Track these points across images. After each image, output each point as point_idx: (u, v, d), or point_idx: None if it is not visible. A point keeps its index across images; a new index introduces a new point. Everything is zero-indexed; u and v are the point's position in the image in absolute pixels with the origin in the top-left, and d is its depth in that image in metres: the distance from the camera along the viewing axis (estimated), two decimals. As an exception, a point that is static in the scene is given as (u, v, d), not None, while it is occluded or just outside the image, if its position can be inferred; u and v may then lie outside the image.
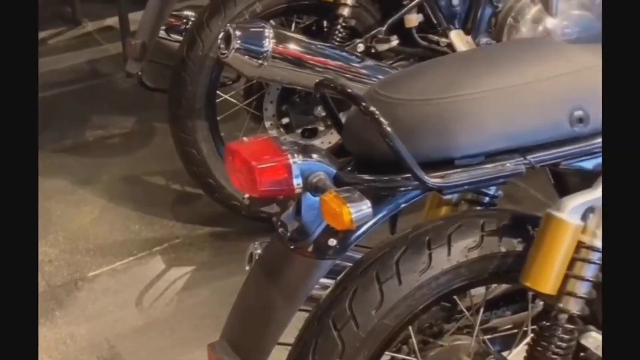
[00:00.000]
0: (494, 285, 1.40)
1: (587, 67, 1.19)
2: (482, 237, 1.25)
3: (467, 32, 2.33)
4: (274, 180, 1.11)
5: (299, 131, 2.36)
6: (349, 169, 1.22)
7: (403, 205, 1.21)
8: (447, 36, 2.28)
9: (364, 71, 2.14)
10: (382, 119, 1.10)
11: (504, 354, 1.42)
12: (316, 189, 1.13)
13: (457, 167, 1.14)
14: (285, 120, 2.35)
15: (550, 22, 2.30)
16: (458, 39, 2.27)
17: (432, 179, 1.11)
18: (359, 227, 1.15)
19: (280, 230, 1.18)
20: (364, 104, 1.12)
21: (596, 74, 1.18)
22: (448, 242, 1.24)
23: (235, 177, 1.15)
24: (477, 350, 1.34)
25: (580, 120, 1.18)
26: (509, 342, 1.46)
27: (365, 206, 1.07)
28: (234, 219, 2.39)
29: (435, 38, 2.30)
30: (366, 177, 1.16)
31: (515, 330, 1.45)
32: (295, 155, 1.13)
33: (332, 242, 1.16)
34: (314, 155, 1.16)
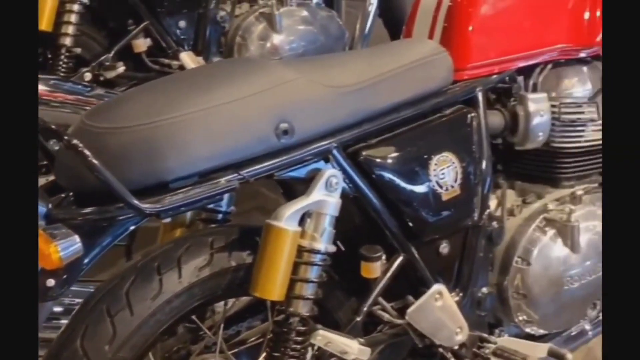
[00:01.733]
0: (232, 301, 1.44)
1: (288, 82, 1.26)
2: (212, 255, 1.27)
3: (198, 54, 2.36)
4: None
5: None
6: (65, 204, 1.18)
7: (124, 234, 1.20)
8: (178, 58, 2.29)
9: (94, 100, 2.09)
10: (85, 151, 1.08)
11: (253, 364, 1.45)
12: (25, 230, 1.07)
13: (172, 190, 1.15)
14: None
15: (276, 39, 2.40)
16: (189, 60, 2.29)
17: (146, 205, 1.11)
18: (77, 263, 1.12)
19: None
20: (65, 137, 1.09)
21: (295, 88, 1.26)
22: (178, 265, 1.25)
23: None
24: (219, 366, 1.36)
25: (286, 132, 1.24)
26: (258, 353, 1.50)
27: (74, 241, 1.04)
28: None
29: (167, 61, 2.31)
30: (80, 210, 1.13)
31: (262, 340, 1.49)
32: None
33: (51, 282, 1.11)
34: (22, 195, 1.11)
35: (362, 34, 2.62)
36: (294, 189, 1.37)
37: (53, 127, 1.11)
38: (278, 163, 1.24)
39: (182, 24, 2.31)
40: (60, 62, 2.14)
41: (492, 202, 1.60)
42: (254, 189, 2.64)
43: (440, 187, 1.44)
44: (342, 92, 1.31)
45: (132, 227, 1.19)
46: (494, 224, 1.56)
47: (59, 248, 1.03)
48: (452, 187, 1.45)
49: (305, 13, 2.45)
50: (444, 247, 1.48)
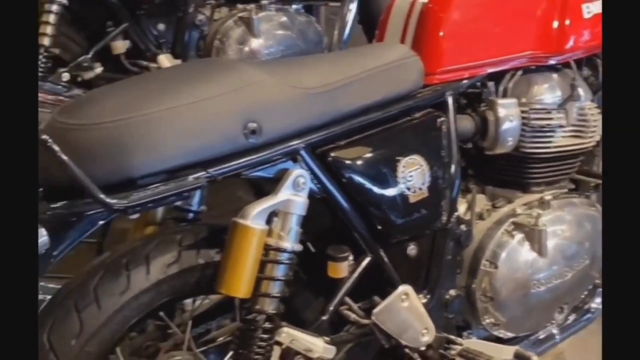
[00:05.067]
0: (201, 299, 1.45)
1: (256, 82, 1.27)
2: (180, 252, 1.29)
3: (177, 56, 2.37)
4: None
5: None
6: (35, 199, 1.19)
7: (94, 229, 1.21)
8: (156, 61, 2.31)
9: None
10: (54, 146, 1.09)
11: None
12: (-8, 223, 1.08)
13: (140, 187, 1.16)
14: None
15: (254, 43, 2.43)
16: (167, 62, 2.31)
17: (113, 201, 1.12)
18: (44, 256, 1.13)
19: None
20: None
21: (263, 88, 1.27)
22: (146, 261, 1.26)
23: None
24: (185, 363, 1.37)
25: (254, 132, 1.25)
26: (227, 351, 1.51)
27: (40, 234, 1.05)
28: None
29: (145, 63, 2.32)
30: (47, 205, 1.14)
31: (230, 338, 1.50)
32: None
33: (17, 276, 1.12)
34: (-10, 189, 1.12)
35: (341, 39, 2.65)
36: (264, 188, 1.38)
37: (22, 122, 1.11)
38: (246, 162, 1.26)
39: (161, 26, 2.33)
40: (39, 62, 2.15)
41: (462, 206, 1.62)
42: (231, 192, 2.66)
43: (408, 189, 1.46)
44: (311, 94, 1.32)
45: (100, 223, 1.20)
46: (462, 227, 1.58)
47: (23, 240, 1.04)
48: (420, 189, 1.47)
49: (283, 18, 2.48)
50: (412, 249, 1.50)
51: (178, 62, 2.35)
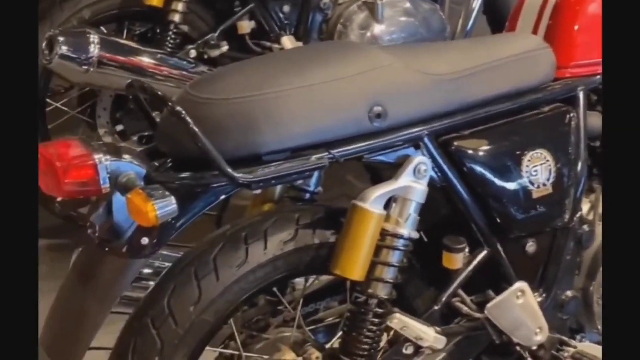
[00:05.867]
0: (313, 278, 1.46)
1: (384, 66, 1.27)
2: (296, 230, 1.30)
3: (299, 39, 2.40)
4: (78, 181, 1.10)
5: (135, 138, 2.34)
6: (164, 168, 1.24)
7: (217, 201, 1.24)
8: (279, 42, 2.34)
9: (196, 76, 2.16)
10: (187, 118, 1.12)
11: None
12: (125, 188, 1.13)
13: (264, 163, 1.18)
14: (119, 127, 2.33)
15: (377, 28, 2.41)
16: (290, 44, 2.34)
17: (239, 175, 1.15)
18: (170, 225, 1.17)
19: (90, 231, 1.18)
20: (170, 104, 1.14)
21: (392, 72, 1.27)
22: (264, 237, 1.28)
23: (41, 180, 1.14)
24: (296, 340, 1.39)
25: (379, 115, 1.25)
26: (334, 332, 1.52)
27: (170, 202, 1.09)
28: (70, 230, 2.33)
29: (268, 44, 2.35)
30: (177, 175, 1.18)
31: (339, 320, 1.51)
32: (102, 155, 1.13)
33: (145, 240, 1.17)
34: (124, 156, 1.17)
35: (464, 29, 2.60)
36: (381, 173, 1.38)
37: (159, 93, 1.15)
38: (369, 145, 1.26)
39: (286, 8, 2.36)
40: (168, 38, 2.22)
41: (585, 206, 1.56)
42: (341, 176, 2.67)
43: (532, 184, 1.42)
44: (439, 80, 1.31)
45: (223, 196, 1.23)
46: (585, 227, 1.52)
47: (156, 207, 1.08)
48: (544, 185, 1.43)
49: (408, 5, 2.45)
50: (531, 246, 1.46)
51: (300, 44, 2.38)
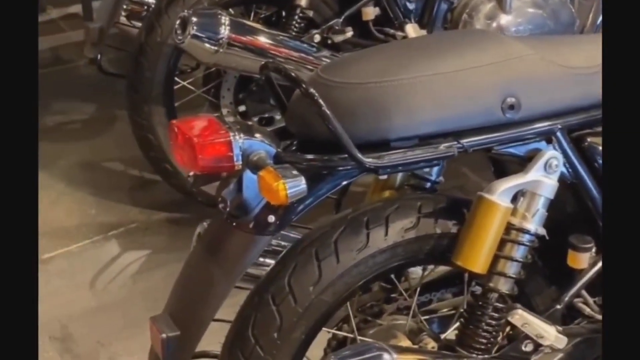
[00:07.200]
0: (430, 268, 1.45)
1: (519, 57, 1.24)
2: (418, 219, 1.30)
3: (422, 27, 2.38)
4: (214, 157, 1.14)
5: (256, 119, 2.39)
6: (292, 149, 1.26)
7: (341, 185, 1.25)
8: (403, 30, 2.33)
9: (319, 61, 2.18)
10: (320, 101, 1.14)
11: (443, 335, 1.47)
12: (256, 166, 1.16)
13: (392, 149, 1.18)
14: (242, 108, 2.38)
15: (503, 19, 2.36)
16: (414, 33, 2.32)
17: (368, 160, 1.15)
18: (297, 204, 1.19)
19: (221, 205, 1.22)
20: (304, 85, 1.16)
21: (527, 63, 1.24)
22: (385, 223, 1.28)
23: (177, 154, 1.18)
24: (412, 329, 1.39)
25: (512, 107, 1.23)
26: (448, 324, 1.51)
27: (300, 182, 1.10)
28: (190, 205, 2.41)
29: (392, 31, 2.35)
30: (305, 156, 1.20)
31: (454, 312, 1.50)
32: (237, 133, 1.16)
33: (272, 218, 1.19)
34: (256, 135, 1.20)
35: (594, 24, 2.50)
36: (506, 167, 1.35)
37: (293, 75, 1.17)
38: (500, 137, 1.24)
39: (412, -5, 2.34)
40: (293, 22, 2.25)
41: None
42: (456, 168, 2.64)
43: (667, 186, 1.35)
44: (575, 74, 1.27)
45: (348, 180, 1.24)
46: None
47: (286, 186, 1.10)
48: (680, 188, 1.36)
49: (536, -5, 2.39)
50: (661, 250, 1.40)
51: (423, 32, 2.36)
